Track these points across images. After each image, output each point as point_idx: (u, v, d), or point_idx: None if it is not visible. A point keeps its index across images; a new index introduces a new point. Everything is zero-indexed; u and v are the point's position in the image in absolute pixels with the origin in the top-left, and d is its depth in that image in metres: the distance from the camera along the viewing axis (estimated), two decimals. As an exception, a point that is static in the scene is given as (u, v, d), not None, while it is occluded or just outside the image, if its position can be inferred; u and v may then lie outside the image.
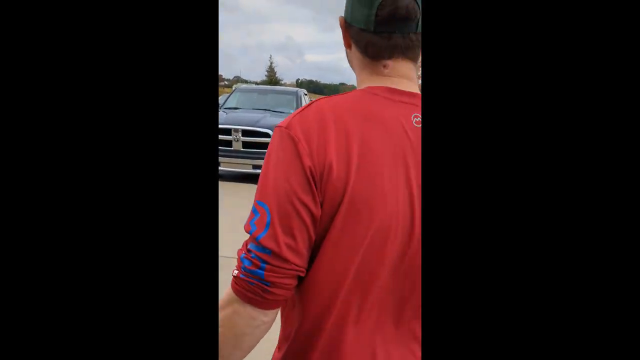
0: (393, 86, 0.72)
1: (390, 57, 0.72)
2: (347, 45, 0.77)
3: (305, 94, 8.81)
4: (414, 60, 0.74)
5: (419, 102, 0.71)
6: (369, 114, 0.68)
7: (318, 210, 0.65)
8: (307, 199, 0.64)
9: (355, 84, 0.80)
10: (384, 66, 0.73)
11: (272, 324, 0.70)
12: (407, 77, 0.73)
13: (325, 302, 0.68)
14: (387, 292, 0.70)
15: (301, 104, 7.56)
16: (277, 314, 0.71)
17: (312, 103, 0.70)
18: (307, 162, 0.64)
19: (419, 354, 0.74)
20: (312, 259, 0.68)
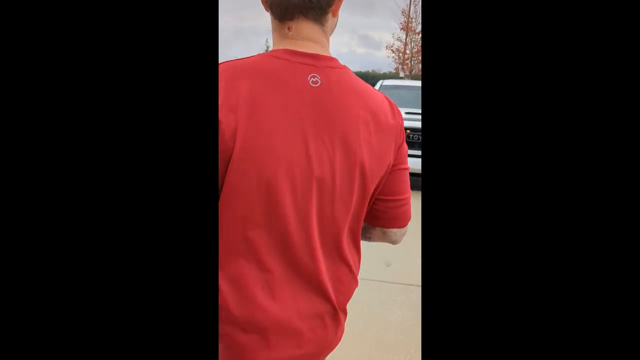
0: (294, 48, 0.75)
1: (291, 18, 0.75)
2: (266, 9, 0.80)
3: None
4: (317, 21, 0.77)
5: (319, 63, 0.75)
6: (266, 74, 0.71)
7: None
8: None
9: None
10: (289, 28, 0.76)
11: None
12: (310, 39, 0.76)
13: (229, 242, 0.72)
14: (290, 244, 0.74)
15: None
16: None
17: None
18: None
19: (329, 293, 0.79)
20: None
